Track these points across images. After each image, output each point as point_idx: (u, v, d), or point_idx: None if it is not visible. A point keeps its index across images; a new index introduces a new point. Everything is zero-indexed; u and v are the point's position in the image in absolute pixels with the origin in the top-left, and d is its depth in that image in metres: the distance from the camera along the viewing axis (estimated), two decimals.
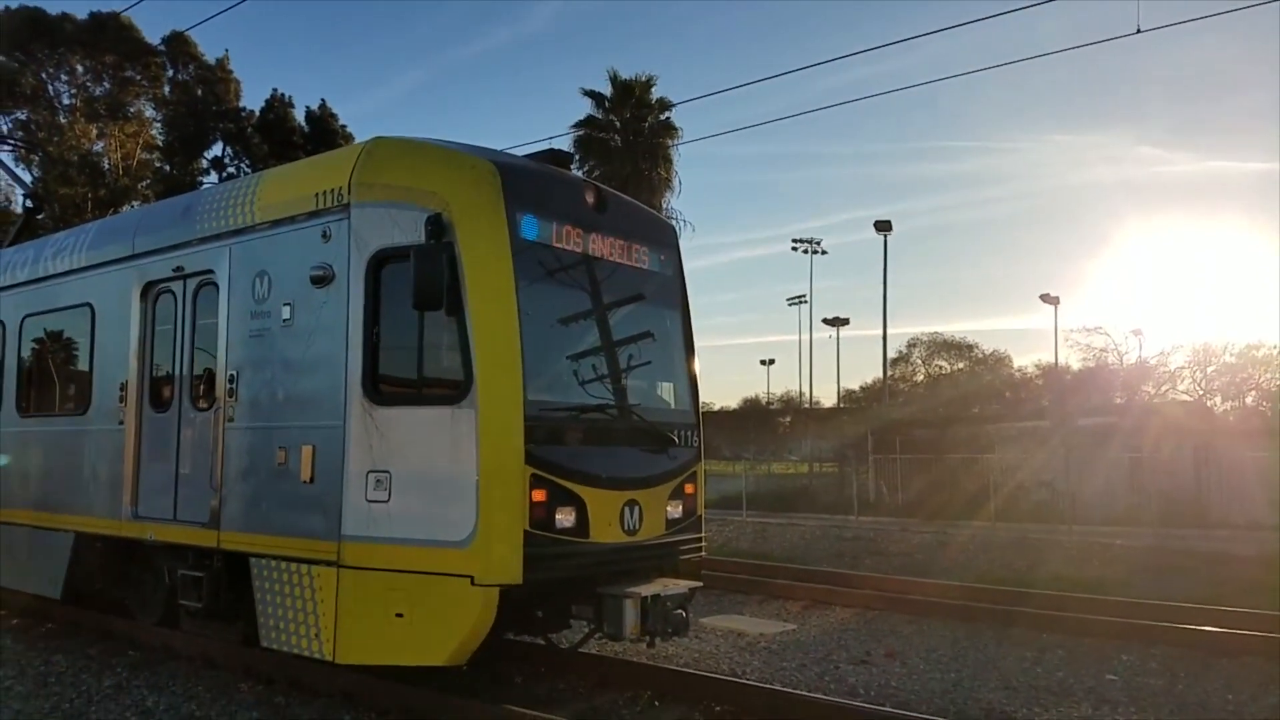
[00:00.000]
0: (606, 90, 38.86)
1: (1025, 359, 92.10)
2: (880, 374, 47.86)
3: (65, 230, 12.25)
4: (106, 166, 41.63)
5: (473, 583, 6.45)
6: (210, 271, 8.51)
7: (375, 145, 7.62)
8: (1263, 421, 36.29)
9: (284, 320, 7.71)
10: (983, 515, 24.15)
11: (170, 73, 45.51)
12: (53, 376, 10.87)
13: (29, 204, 16.53)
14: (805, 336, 76.77)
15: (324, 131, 45.32)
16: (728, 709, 7.16)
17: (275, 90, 50.43)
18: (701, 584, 8.13)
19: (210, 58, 45.66)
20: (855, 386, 63.45)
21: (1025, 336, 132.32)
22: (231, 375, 8.05)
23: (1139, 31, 14.32)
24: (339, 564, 6.99)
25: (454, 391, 6.74)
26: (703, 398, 8.97)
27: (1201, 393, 44.68)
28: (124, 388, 9.21)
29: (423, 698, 7.01)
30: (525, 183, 7.35)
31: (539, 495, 6.64)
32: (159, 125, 45.58)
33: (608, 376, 7.65)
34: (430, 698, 7.01)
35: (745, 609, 12.11)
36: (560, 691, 7.80)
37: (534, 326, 6.94)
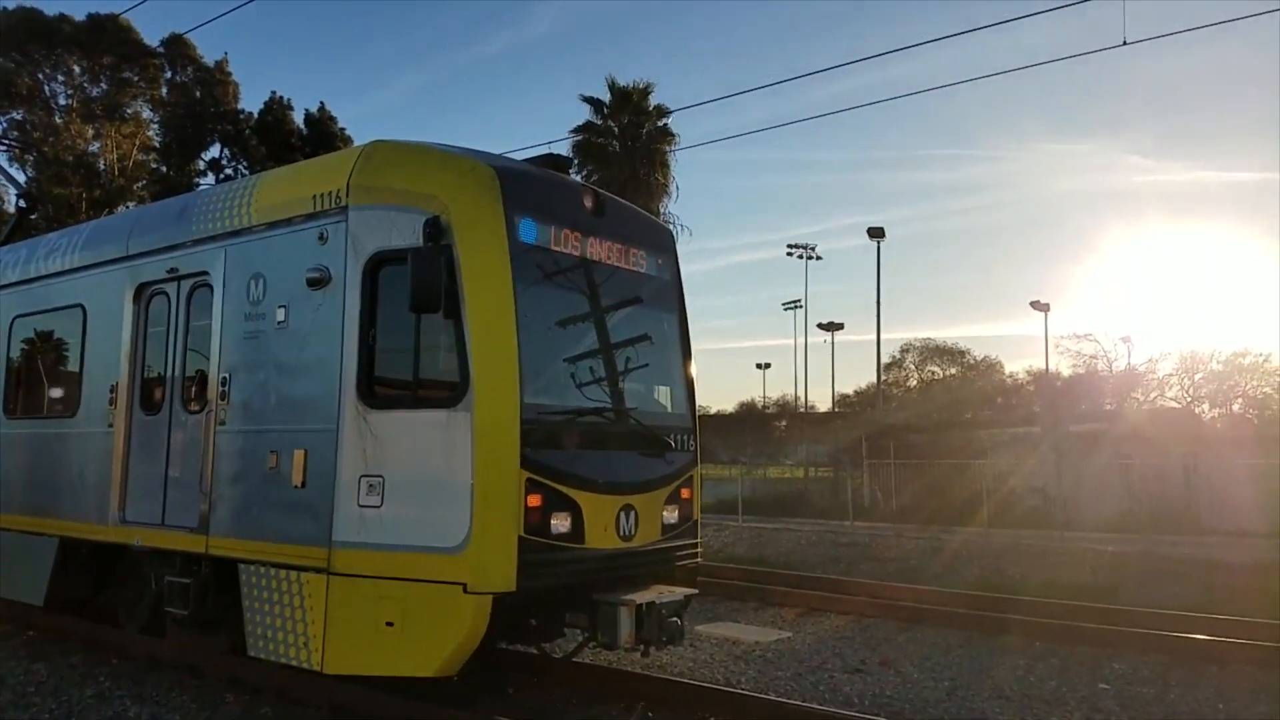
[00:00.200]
0: (605, 96, 38.96)
1: (1016, 365, 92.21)
2: (874, 378, 48.01)
3: (58, 231, 12.19)
4: (102, 167, 41.53)
5: (465, 590, 6.37)
6: (205, 273, 8.45)
7: (374, 148, 7.58)
8: (1251, 429, 36.38)
9: (279, 322, 7.64)
10: (976, 521, 24.20)
11: (168, 74, 45.45)
12: (42, 378, 10.76)
13: (22, 204, 16.48)
14: (800, 341, 76.99)
15: (323, 134, 45.27)
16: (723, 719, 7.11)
17: (274, 93, 50.49)
18: (697, 591, 8.07)
19: (209, 60, 45.67)
20: (850, 391, 63.63)
21: (1016, 342, 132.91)
22: (224, 377, 7.98)
23: (1125, 44, 14.52)
24: (329, 571, 6.90)
25: (450, 394, 6.68)
26: (699, 401, 8.94)
27: (1190, 400, 44.83)
28: (114, 390, 9.12)
29: (412, 709, 6.94)
30: (523, 186, 7.31)
31: (534, 500, 6.57)
32: (156, 126, 45.53)
33: (604, 380, 7.61)
34: (420, 709, 6.94)
35: (740, 616, 12.09)
36: (554, 702, 7.74)
37: (531, 329, 6.90)
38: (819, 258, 66.64)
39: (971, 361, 60.08)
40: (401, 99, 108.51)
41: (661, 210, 37.43)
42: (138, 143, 43.54)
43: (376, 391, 7.01)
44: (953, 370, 59.75)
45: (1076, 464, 26.57)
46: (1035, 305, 42.72)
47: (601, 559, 7.07)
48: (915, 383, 60.34)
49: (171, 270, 8.82)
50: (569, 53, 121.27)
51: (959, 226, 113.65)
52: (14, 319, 10.97)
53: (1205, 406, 44.41)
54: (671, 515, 7.81)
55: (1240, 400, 44.70)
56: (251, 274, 7.97)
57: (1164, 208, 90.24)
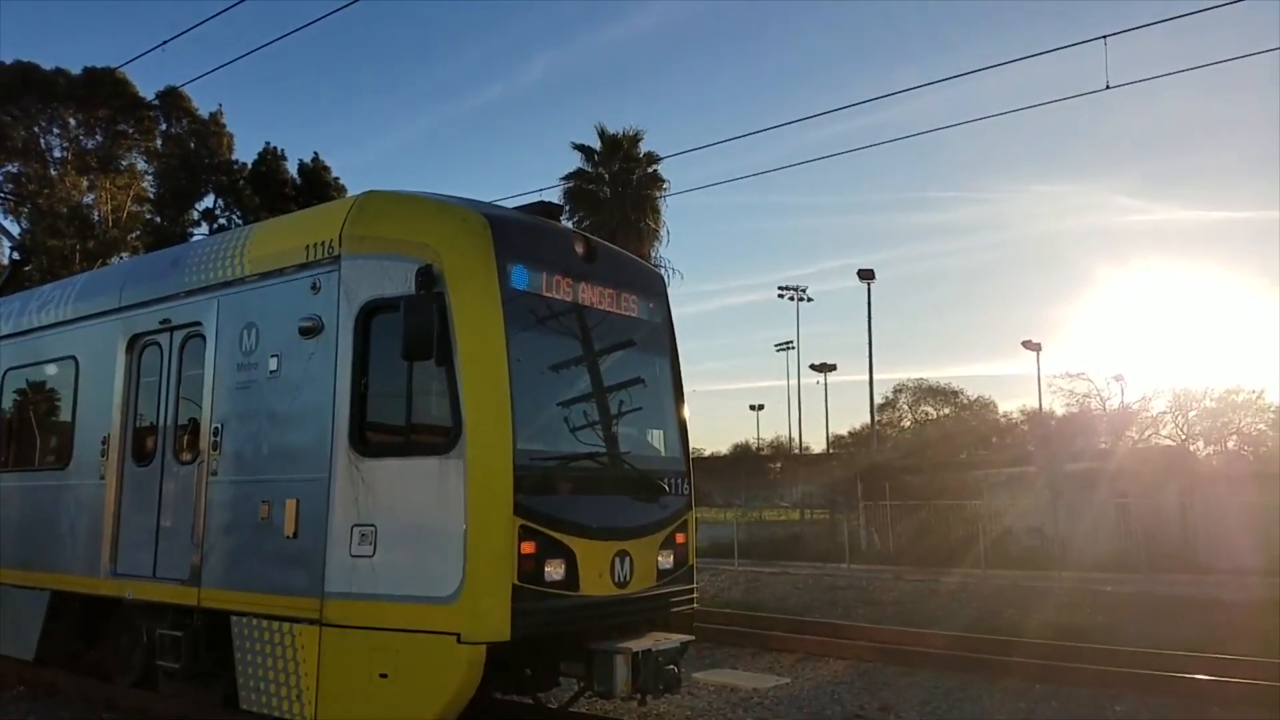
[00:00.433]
0: (595, 144, 39.40)
1: (1010, 404, 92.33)
2: (868, 419, 47.98)
3: (52, 283, 12.25)
4: (96, 218, 41.73)
5: (459, 640, 6.29)
6: (198, 323, 8.47)
7: (366, 198, 7.65)
8: (1245, 466, 36.41)
9: (271, 371, 7.65)
10: (973, 562, 24.12)
11: (163, 126, 45.88)
12: (34, 430, 10.73)
13: (15, 256, 16.54)
14: (794, 382, 77.01)
15: (316, 184, 45.61)
16: None
17: (268, 143, 50.94)
18: (694, 637, 7.97)
19: (204, 112, 46.14)
20: (844, 432, 63.65)
21: (1009, 382, 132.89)
22: (216, 427, 7.97)
23: (1108, 87, 14.67)
24: (321, 622, 6.84)
25: (442, 441, 6.66)
26: (694, 443, 8.93)
27: (1184, 437, 44.90)
28: (106, 441, 9.09)
29: None
30: (515, 233, 7.36)
31: (528, 547, 6.52)
32: (151, 178, 45.84)
33: (597, 424, 7.59)
34: None
35: (738, 662, 11.97)
36: None
37: (524, 375, 6.90)
38: (810, 299, 66.94)
39: (965, 401, 60.34)
40: (395, 149, 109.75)
41: (653, 254, 37.69)
42: (132, 194, 43.82)
43: (369, 439, 6.99)
44: (946, 410, 59.93)
45: (1072, 503, 26.52)
46: (1027, 345, 42.91)
47: (596, 606, 6.99)
48: (909, 423, 60.48)
49: (164, 321, 8.85)
50: (561, 102, 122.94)
51: (950, 267, 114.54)
52: (7, 371, 10.98)
53: (1200, 444, 44.51)
54: (667, 560, 7.74)
55: (1235, 437, 44.79)
56: (244, 324, 8.00)
57: (1153, 247, 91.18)
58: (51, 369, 10.39)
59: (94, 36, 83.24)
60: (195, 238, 41.48)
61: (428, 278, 6.78)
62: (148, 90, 43.57)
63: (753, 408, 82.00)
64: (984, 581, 21.06)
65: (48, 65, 42.44)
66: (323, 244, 7.49)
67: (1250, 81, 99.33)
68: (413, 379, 6.89)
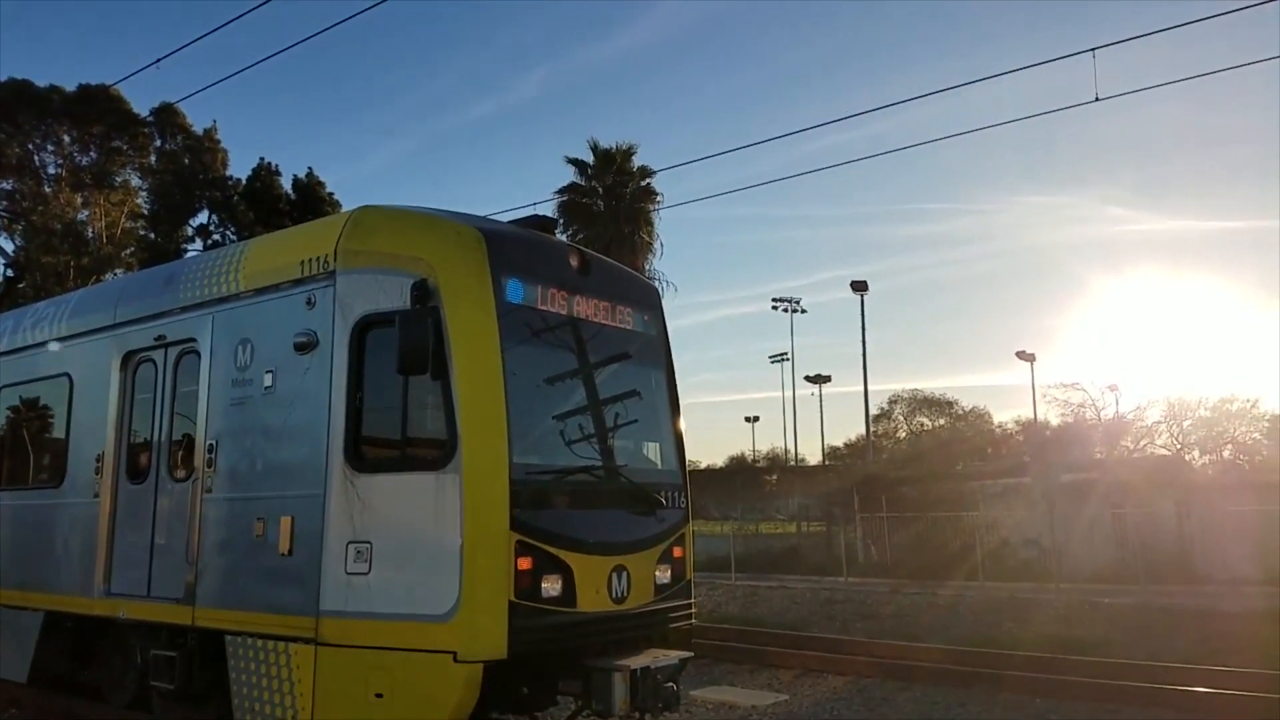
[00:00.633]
0: (588, 158, 39.51)
1: (1005, 414, 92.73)
2: (863, 430, 48.00)
3: (45, 301, 12.22)
4: (90, 235, 41.68)
5: (455, 659, 6.23)
6: (192, 340, 8.43)
7: (362, 213, 7.64)
8: (1241, 475, 36.43)
9: (266, 388, 7.61)
10: (970, 574, 24.07)
11: (158, 143, 45.89)
12: (27, 448, 10.67)
13: (9, 273, 16.50)
14: (788, 393, 76.83)
15: (311, 199, 45.61)
16: None
17: (262, 159, 50.86)
18: (692, 654, 7.90)
19: (199, 128, 46.13)
20: (839, 443, 63.64)
21: (1004, 392, 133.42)
22: (211, 444, 7.92)
23: (1098, 99, 14.69)
24: (316, 641, 6.77)
25: (438, 456, 6.62)
26: (689, 456, 8.90)
27: (1179, 447, 44.91)
28: (100, 459, 9.03)
29: None
30: (510, 247, 7.35)
31: (524, 563, 6.46)
32: (145, 194, 45.81)
33: (593, 438, 7.56)
34: None
35: (736, 679, 11.90)
36: None
37: (519, 389, 6.87)
38: (804, 311, 67.01)
39: (960, 412, 60.46)
40: (389, 164, 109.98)
41: (646, 267, 37.75)
42: (126, 210, 43.80)
43: (364, 454, 6.95)
44: (941, 421, 60.03)
45: (1068, 514, 26.49)
46: (1021, 355, 43.11)
47: (594, 623, 6.93)
48: (904, 434, 60.55)
49: (159, 338, 8.81)
50: (554, 116, 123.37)
51: (944, 278, 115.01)
52: (0, 389, 10.91)
53: (1195, 453, 44.53)
54: (664, 575, 7.68)
55: (1230, 446, 44.83)
56: (239, 340, 7.96)
57: (1145, 257, 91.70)
58: (45, 386, 10.33)
59: (89, 54, 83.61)
60: (189, 254, 41.45)
61: (423, 292, 6.76)
62: (142, 107, 43.71)
63: (748, 419, 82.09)
64: (981, 593, 21.04)
65: (42, 83, 42.53)
66: (318, 259, 7.46)
67: (1238, 92, 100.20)
68: (408, 393, 6.85)
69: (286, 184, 47.68)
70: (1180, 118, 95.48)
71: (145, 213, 45.75)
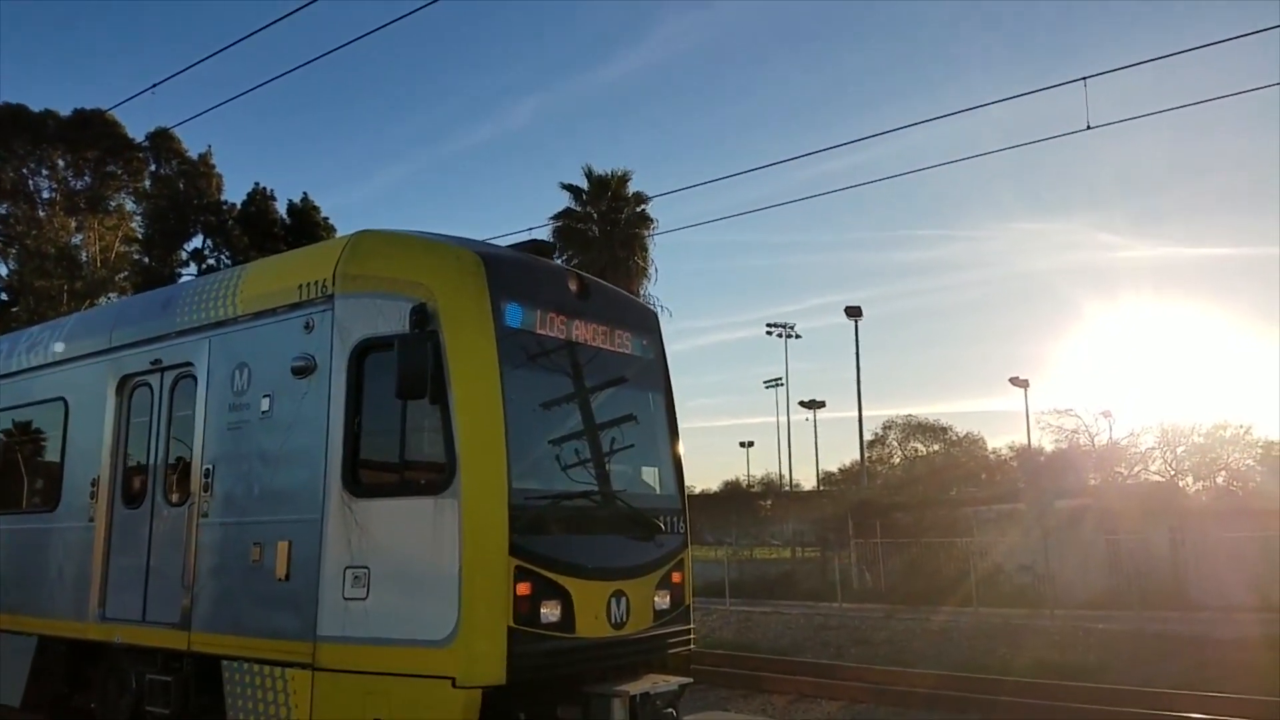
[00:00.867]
0: (584, 184, 39.77)
1: (998, 440, 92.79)
2: (858, 456, 48.02)
3: (40, 325, 12.22)
4: (84, 259, 41.69)
5: (454, 684, 6.20)
6: (189, 364, 8.41)
7: (360, 238, 7.64)
8: (1235, 501, 36.50)
9: (263, 412, 7.59)
10: (964, 599, 24.04)
11: (153, 167, 46.01)
12: (21, 472, 10.63)
13: (3, 297, 16.51)
14: (783, 418, 76.95)
15: (306, 224, 45.72)
16: None
17: (257, 183, 51.01)
18: (692, 680, 7.84)
19: (194, 152, 46.29)
20: (834, 468, 63.65)
21: (997, 418, 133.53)
22: (207, 469, 7.89)
23: (1089, 127, 14.90)
24: (314, 666, 6.73)
25: (437, 481, 6.60)
26: (685, 481, 8.86)
27: (1173, 473, 44.98)
28: (95, 483, 9.00)
29: None
30: (509, 272, 7.36)
31: (523, 588, 6.43)
32: (139, 218, 45.88)
33: (592, 462, 7.55)
34: None
35: (730, 704, 11.87)
36: None
37: (518, 413, 6.86)
38: (798, 336, 67.28)
39: (954, 438, 60.52)
40: (384, 189, 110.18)
41: (641, 292, 37.91)
42: (120, 234, 43.87)
43: (362, 479, 6.93)
44: (936, 447, 60.07)
45: (1062, 540, 26.50)
46: (1014, 381, 43.28)
47: (593, 648, 6.89)
48: (899, 459, 60.55)
49: (155, 362, 8.78)
50: (548, 143, 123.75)
51: (937, 304, 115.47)
52: None
53: (1189, 479, 44.58)
54: (663, 601, 7.64)
55: (1224, 473, 44.90)
56: (236, 364, 7.94)
57: (1137, 283, 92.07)
58: (40, 410, 10.30)
59: (84, 79, 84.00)
60: (184, 278, 41.48)
61: (422, 316, 6.76)
62: (137, 131, 43.82)
63: (743, 444, 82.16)
64: (975, 619, 21.05)
65: (37, 107, 42.68)
66: (316, 283, 7.48)
67: (1229, 120, 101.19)
68: (407, 418, 6.84)
69: (281, 209, 47.85)
70: (1171, 145, 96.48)
71: (139, 237, 45.83)
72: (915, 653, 16.62)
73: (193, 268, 45.76)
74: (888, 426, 60.73)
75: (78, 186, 43.76)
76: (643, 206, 39.19)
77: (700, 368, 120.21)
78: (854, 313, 43.64)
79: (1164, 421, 48.05)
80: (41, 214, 42.08)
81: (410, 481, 6.84)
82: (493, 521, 6.45)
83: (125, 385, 9.09)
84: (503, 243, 8.73)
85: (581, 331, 7.72)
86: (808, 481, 62.50)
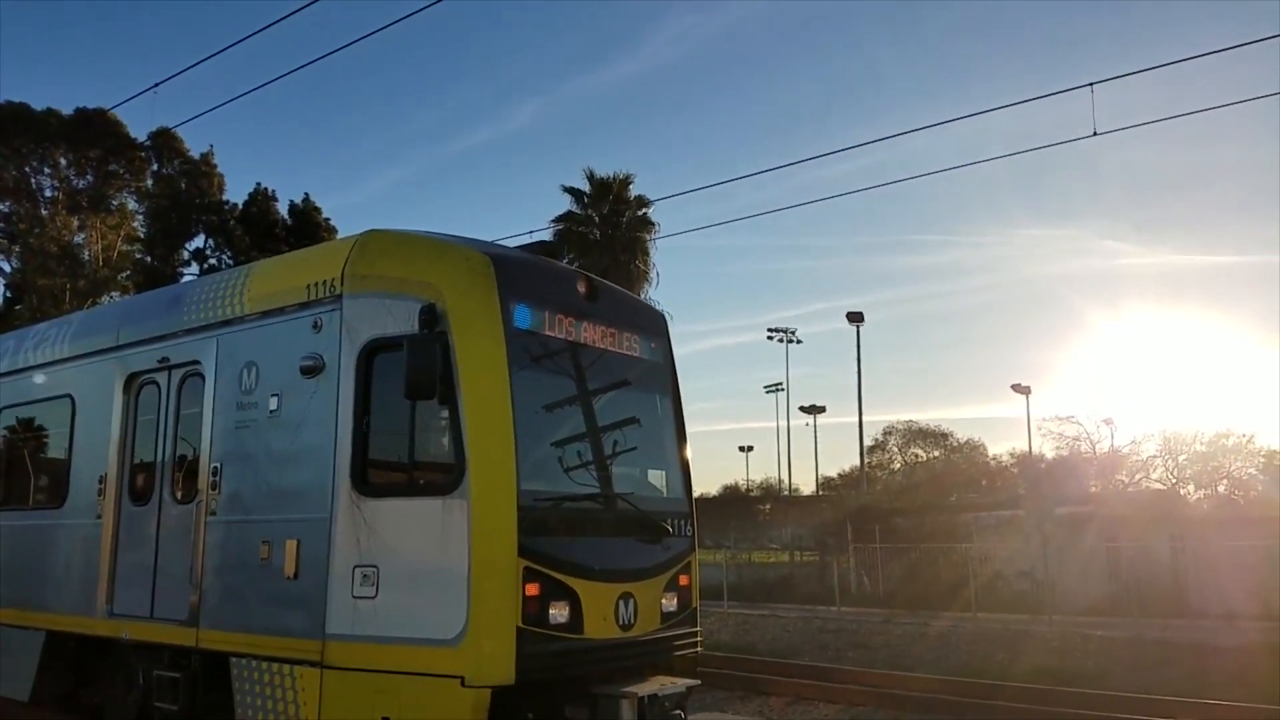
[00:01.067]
0: (585, 187, 39.74)
1: (999, 447, 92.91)
2: (857, 461, 48.06)
3: (47, 321, 12.24)
4: (87, 258, 41.71)
5: (463, 684, 6.21)
6: (196, 362, 8.42)
7: (368, 237, 7.64)
8: (1236, 510, 36.49)
9: (271, 411, 7.60)
10: (963, 605, 24.06)
11: (154, 166, 46.03)
12: (28, 468, 10.66)
13: (8, 294, 16.55)
14: (783, 423, 76.92)
15: (307, 224, 45.75)
16: None
17: (259, 184, 51.15)
18: (699, 682, 7.84)
19: (195, 152, 46.33)
20: (833, 473, 63.60)
21: (999, 425, 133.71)
22: (215, 467, 7.91)
23: (1096, 134, 14.91)
24: (322, 664, 6.75)
25: (446, 481, 6.62)
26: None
27: (1174, 481, 45.00)
28: (103, 480, 9.01)
29: None
30: (517, 273, 7.37)
31: (532, 589, 6.45)
32: (141, 217, 45.90)
33: (600, 464, 7.55)
34: None
35: (728, 705, 11.89)
36: None
37: (527, 415, 6.88)
38: (799, 341, 67.22)
39: (955, 444, 60.48)
40: (385, 190, 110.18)
41: (643, 296, 37.90)
42: (122, 233, 43.91)
43: (370, 479, 6.95)
44: (936, 453, 60.06)
45: (1062, 547, 26.53)
46: (1016, 388, 43.38)
47: (601, 649, 6.91)
48: (899, 465, 60.54)
49: (162, 360, 8.79)
50: (549, 145, 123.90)
51: (940, 310, 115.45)
52: (1, 409, 10.90)
53: (1190, 488, 44.57)
54: (670, 603, 7.65)
55: (1225, 481, 44.88)
56: (244, 363, 7.96)
57: (1142, 290, 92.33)
58: (47, 407, 10.33)
59: (86, 78, 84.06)
60: (186, 278, 41.51)
61: (431, 317, 6.75)
62: (139, 131, 43.87)
63: (742, 449, 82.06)
64: (974, 625, 21.05)
65: (39, 106, 42.73)
66: (324, 283, 7.48)
67: (1236, 128, 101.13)
68: (415, 418, 6.86)
69: (283, 209, 47.88)
70: (1177, 152, 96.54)
71: (141, 236, 45.85)
72: (913, 657, 16.65)
73: (194, 267, 45.79)
74: (888, 432, 60.78)
75: (80, 185, 43.80)
76: (644, 210, 39.19)
77: (700, 372, 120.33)
78: (855, 318, 43.75)
79: (1166, 429, 48.02)
80: (44, 212, 42.12)
81: (419, 482, 6.86)
82: (502, 522, 6.46)
83: (133, 383, 9.12)
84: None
85: (590, 334, 7.72)
86: (807, 487, 62.58)
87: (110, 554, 8.80)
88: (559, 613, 6.62)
